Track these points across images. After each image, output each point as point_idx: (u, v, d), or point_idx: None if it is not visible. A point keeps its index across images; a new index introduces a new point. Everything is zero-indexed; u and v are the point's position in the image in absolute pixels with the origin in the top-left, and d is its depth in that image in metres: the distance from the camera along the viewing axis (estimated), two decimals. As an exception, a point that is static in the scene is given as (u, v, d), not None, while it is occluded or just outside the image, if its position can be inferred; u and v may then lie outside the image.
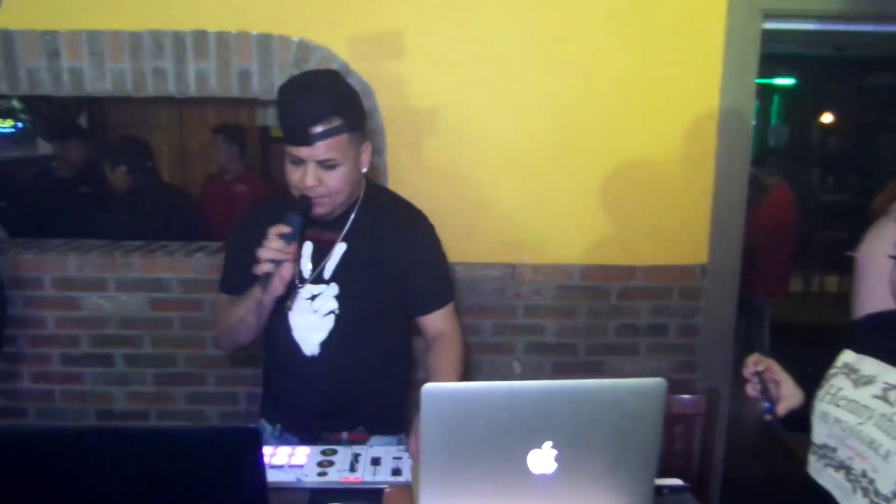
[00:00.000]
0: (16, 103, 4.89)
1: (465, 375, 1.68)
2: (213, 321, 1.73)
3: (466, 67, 2.38)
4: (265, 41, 2.32)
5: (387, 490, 1.33)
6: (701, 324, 2.56)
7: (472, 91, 2.39)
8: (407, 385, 1.77)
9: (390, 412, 1.72)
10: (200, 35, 2.31)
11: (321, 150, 1.45)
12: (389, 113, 2.39)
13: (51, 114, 4.75)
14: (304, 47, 2.33)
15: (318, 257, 1.61)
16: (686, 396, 2.23)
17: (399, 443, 1.74)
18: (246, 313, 1.55)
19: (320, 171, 1.48)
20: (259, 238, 1.52)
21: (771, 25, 2.39)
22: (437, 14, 2.35)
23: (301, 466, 1.49)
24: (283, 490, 1.35)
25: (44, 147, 4.88)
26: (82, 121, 5.10)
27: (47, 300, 2.47)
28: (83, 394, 2.55)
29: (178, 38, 2.31)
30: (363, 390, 1.66)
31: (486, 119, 2.41)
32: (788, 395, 1.32)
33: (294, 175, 1.50)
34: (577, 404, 1.04)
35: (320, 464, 1.50)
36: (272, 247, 1.43)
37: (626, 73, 2.38)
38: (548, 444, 1.04)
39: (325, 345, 1.60)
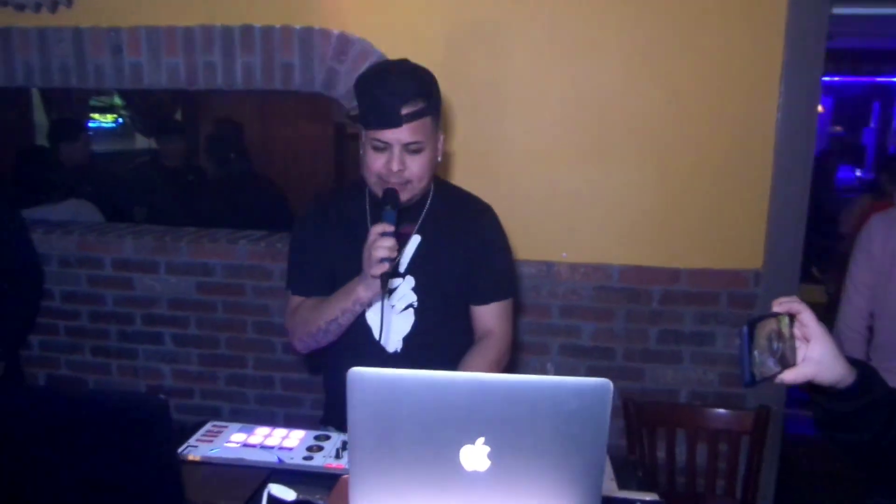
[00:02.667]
0: (117, 100, 5.29)
1: None
2: (289, 324, 1.66)
3: (506, 59, 2.32)
4: (307, 35, 2.37)
5: (343, 477, 1.31)
6: (754, 334, 2.36)
7: (511, 83, 2.33)
8: None
9: None
10: (247, 29, 2.39)
11: (407, 132, 1.44)
12: (427, 105, 2.38)
13: (147, 110, 5.11)
14: (344, 40, 2.36)
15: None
16: (728, 411, 2.08)
17: None
18: (341, 314, 1.52)
19: (405, 155, 1.47)
20: (331, 235, 1.56)
21: (842, 11, 2.17)
22: (477, 6, 2.31)
23: (290, 449, 1.51)
24: (247, 468, 1.36)
25: (142, 141, 5.26)
26: (178, 115, 5.46)
27: (107, 279, 2.64)
28: (136, 369, 2.71)
29: (227, 32, 2.41)
30: None
31: (524, 112, 2.34)
32: (816, 358, 0.99)
33: (377, 161, 1.48)
34: (512, 401, 0.97)
35: (309, 448, 1.51)
36: (385, 245, 1.39)
37: (674, 62, 2.24)
38: (480, 441, 0.98)
39: (408, 339, 1.59)
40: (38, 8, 2.47)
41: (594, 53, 2.27)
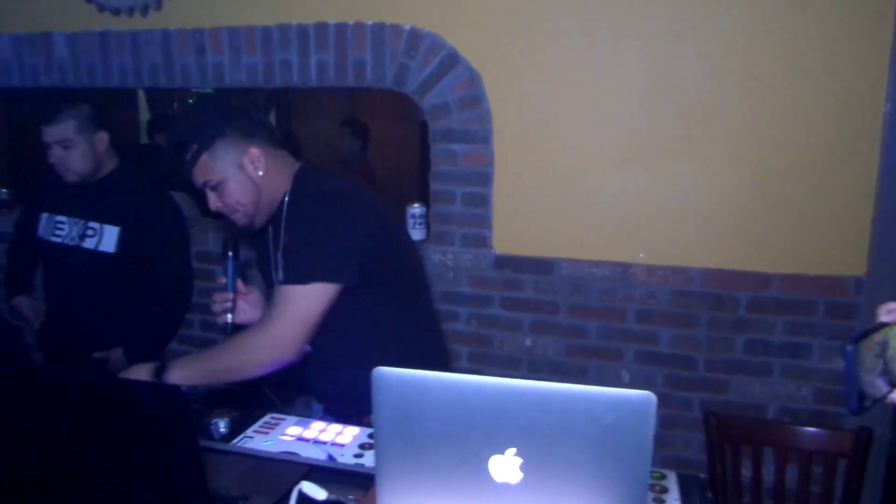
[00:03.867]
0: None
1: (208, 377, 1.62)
2: None
3: (578, 49, 2.22)
4: (379, 31, 2.36)
5: (381, 479, 1.27)
6: (855, 348, 2.14)
7: (587, 76, 2.23)
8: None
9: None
10: (322, 27, 2.42)
11: (197, 176, 1.56)
12: (498, 101, 2.31)
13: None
14: (415, 35, 2.33)
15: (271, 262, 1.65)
16: (823, 430, 1.89)
17: None
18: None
19: (213, 194, 1.57)
20: None
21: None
22: (551, -5, 2.22)
23: (342, 446, 1.49)
24: (288, 462, 1.35)
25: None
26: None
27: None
28: (215, 359, 2.80)
29: (302, 30, 2.44)
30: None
31: (601, 106, 2.23)
32: None
33: (210, 202, 1.61)
34: (545, 410, 0.90)
35: (361, 445, 1.49)
36: (217, 300, 1.63)
37: (765, 49, 2.06)
38: (511, 451, 0.92)
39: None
40: (130, 12, 2.60)
41: (674, 40, 2.13)
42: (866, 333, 0.86)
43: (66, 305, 2.40)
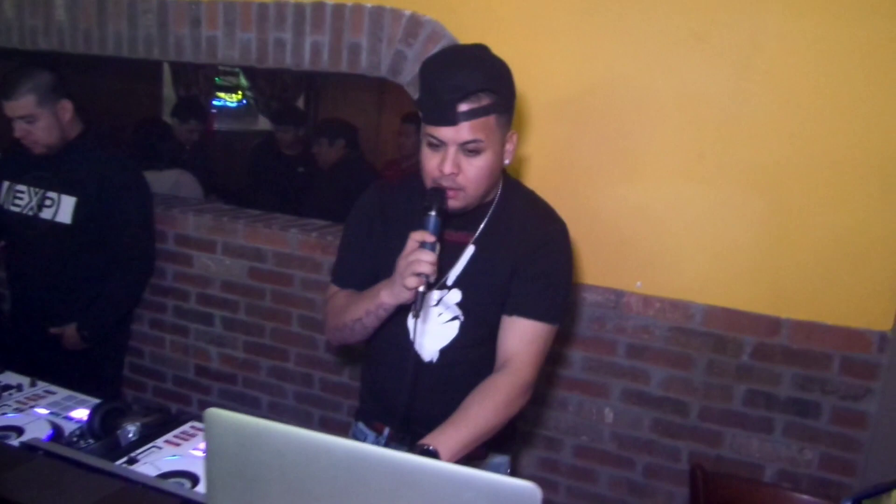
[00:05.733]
0: (243, 80, 5.45)
1: (504, 425, 1.37)
2: (324, 313, 1.59)
3: (593, 51, 1.99)
4: (377, 14, 2.19)
5: None
6: (873, 412, 1.87)
7: (598, 80, 2.00)
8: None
9: (506, 428, 1.44)
10: (318, 7, 2.25)
11: (466, 130, 1.27)
12: (497, 98, 2.11)
13: (270, 93, 5.22)
14: (415, 21, 2.15)
15: (446, 260, 1.40)
16: (828, 503, 1.65)
17: (507, 464, 1.63)
18: (365, 315, 1.41)
19: (461, 156, 1.30)
20: (379, 228, 1.47)
21: None
22: (564, -13, 2.00)
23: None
24: (158, 493, 1.19)
25: (264, 122, 5.39)
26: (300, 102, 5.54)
27: (169, 254, 2.63)
28: (186, 347, 2.68)
29: (298, 9, 2.28)
30: None
31: (610, 114, 2.00)
32: None
33: (431, 160, 1.32)
34: (405, 486, 0.71)
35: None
36: (424, 259, 1.25)
37: (795, 58, 1.81)
38: (359, 530, 0.73)
39: (446, 351, 1.45)
40: (129, -22, 2.49)
41: (697, 47, 1.89)
42: (870, 495, 0.63)
43: (24, 277, 2.32)
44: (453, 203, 1.33)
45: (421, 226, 1.29)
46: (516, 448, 1.66)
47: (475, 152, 1.30)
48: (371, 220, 1.52)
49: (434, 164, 1.31)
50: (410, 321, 1.45)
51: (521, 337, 1.40)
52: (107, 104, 4.29)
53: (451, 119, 1.26)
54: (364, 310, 1.40)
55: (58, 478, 1.09)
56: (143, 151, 3.51)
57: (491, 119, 1.29)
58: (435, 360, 1.46)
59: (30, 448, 1.21)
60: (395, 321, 1.44)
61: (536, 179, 2.10)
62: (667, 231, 1.99)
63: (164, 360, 2.73)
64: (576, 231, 2.04)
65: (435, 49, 2.13)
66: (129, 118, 4.00)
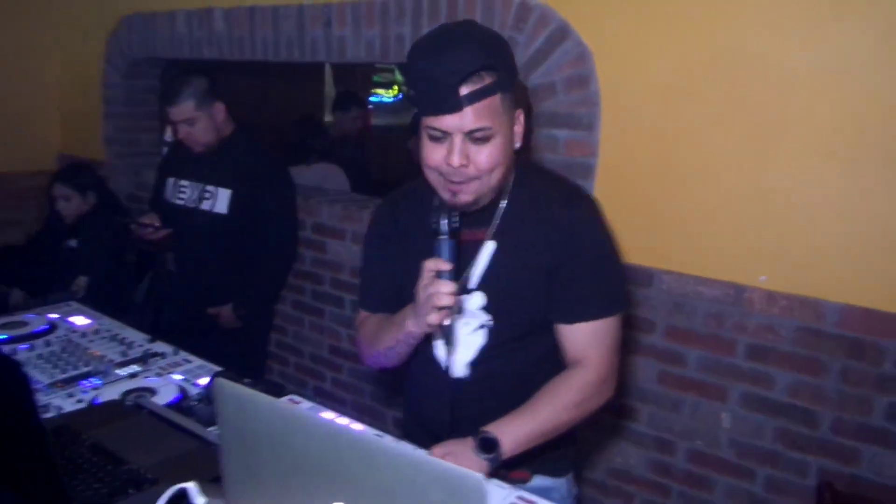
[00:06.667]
0: (398, 76, 5.69)
1: (577, 423, 1.32)
2: (357, 340, 1.52)
3: (716, 26, 1.84)
4: (489, 2, 2.19)
5: None
6: None
7: (717, 60, 1.84)
8: None
9: (556, 448, 1.39)
10: (434, -1, 2.31)
11: (471, 117, 1.16)
12: (609, 83, 2.02)
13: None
14: (524, 6, 2.12)
15: (463, 260, 1.30)
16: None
17: (567, 490, 1.49)
18: (395, 344, 1.34)
19: (469, 145, 1.19)
20: (395, 244, 1.41)
21: None
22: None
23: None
24: None
25: (419, 116, 5.59)
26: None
27: (307, 241, 2.85)
28: (321, 327, 2.89)
29: (417, 3, 2.35)
30: None
31: (734, 93, 1.83)
32: None
33: (434, 153, 1.21)
34: (375, 468, 0.73)
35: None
36: (443, 292, 1.17)
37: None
38: None
39: (475, 365, 1.37)
40: (273, -13, 2.72)
41: (837, 15, 1.66)
42: None
43: (185, 263, 2.62)
44: (465, 197, 1.23)
45: (434, 251, 1.21)
46: (574, 468, 1.52)
47: (484, 140, 1.19)
48: (385, 238, 1.45)
49: (439, 158, 1.20)
50: (439, 345, 1.39)
51: (586, 339, 1.32)
52: (276, 104, 4.72)
53: (453, 105, 1.14)
54: (394, 339, 1.34)
55: (149, 433, 1.25)
56: (299, 147, 3.83)
57: (496, 99, 1.18)
58: (466, 376, 1.38)
59: (138, 406, 1.39)
60: (425, 341, 1.37)
61: (644, 165, 1.98)
62: (796, 218, 1.78)
63: (304, 339, 2.97)
64: (687, 220, 1.93)
65: (545, 33, 2.09)
66: (293, 116, 4.37)
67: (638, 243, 2.00)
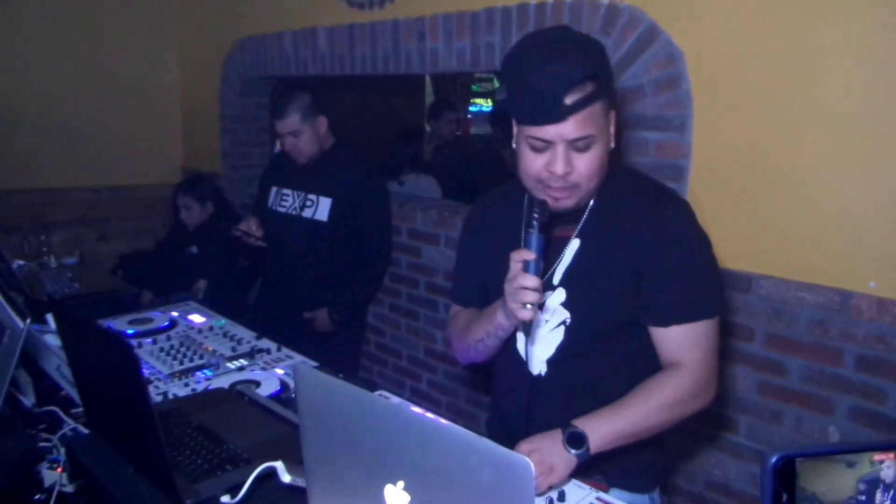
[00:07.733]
0: (496, 84, 5.73)
1: (671, 426, 1.31)
2: (448, 333, 1.58)
3: (816, 20, 1.75)
4: (577, 8, 2.19)
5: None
6: None
7: (811, 59, 1.76)
8: None
9: (635, 458, 1.38)
10: (523, 8, 2.34)
11: (573, 126, 1.17)
12: (700, 83, 1.97)
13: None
14: (612, 9, 2.11)
15: (549, 257, 1.32)
16: None
17: None
18: (486, 336, 1.39)
19: (571, 153, 1.21)
20: (485, 243, 1.46)
21: None
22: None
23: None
24: None
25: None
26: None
27: (403, 246, 2.95)
28: (417, 330, 2.98)
29: (506, 12, 2.40)
30: None
31: (828, 91, 1.74)
32: None
33: (534, 162, 1.23)
34: (431, 448, 0.77)
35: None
36: (528, 287, 1.20)
37: None
38: (401, 484, 0.81)
39: (552, 363, 1.38)
40: (371, 5, 2.85)
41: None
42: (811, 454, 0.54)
43: (284, 269, 2.77)
44: (566, 203, 1.26)
45: (522, 244, 1.24)
46: (662, 484, 1.47)
47: (586, 148, 1.21)
48: (474, 236, 1.50)
49: (540, 166, 1.22)
50: (521, 339, 1.40)
51: (679, 343, 1.30)
52: (380, 115, 4.91)
53: (557, 115, 1.15)
54: (484, 331, 1.37)
55: (248, 418, 1.37)
56: (398, 157, 3.95)
57: (597, 107, 1.19)
58: (544, 373, 1.39)
59: (240, 394, 1.51)
60: (511, 337, 1.40)
61: (740, 165, 1.91)
62: (911, 221, 1.66)
63: (401, 341, 3.07)
64: (796, 222, 1.84)
65: (634, 36, 2.07)
66: (395, 127, 4.52)
67: (734, 247, 1.93)
